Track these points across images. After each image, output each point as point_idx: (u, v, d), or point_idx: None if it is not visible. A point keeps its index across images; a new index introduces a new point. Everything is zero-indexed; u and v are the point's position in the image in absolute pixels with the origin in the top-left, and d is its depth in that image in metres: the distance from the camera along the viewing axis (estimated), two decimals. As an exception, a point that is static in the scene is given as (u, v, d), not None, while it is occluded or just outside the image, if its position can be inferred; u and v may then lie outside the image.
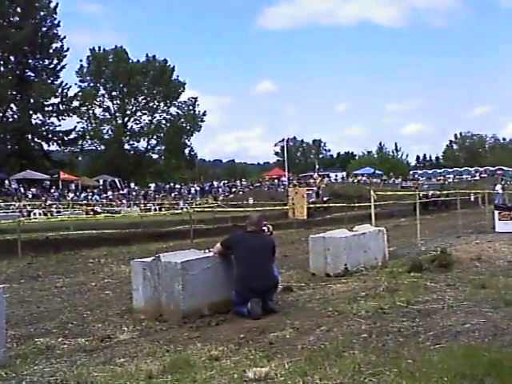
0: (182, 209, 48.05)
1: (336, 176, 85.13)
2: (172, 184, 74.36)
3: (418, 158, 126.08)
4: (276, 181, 77.61)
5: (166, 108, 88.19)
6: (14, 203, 50.33)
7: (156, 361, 5.31)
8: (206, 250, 8.05)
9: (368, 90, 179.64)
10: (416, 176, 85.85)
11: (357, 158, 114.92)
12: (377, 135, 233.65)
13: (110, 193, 65.63)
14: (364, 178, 79.24)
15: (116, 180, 71.11)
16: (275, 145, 73.25)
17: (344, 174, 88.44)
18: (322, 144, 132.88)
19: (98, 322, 7.33)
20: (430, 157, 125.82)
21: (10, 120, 70.12)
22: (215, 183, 77.97)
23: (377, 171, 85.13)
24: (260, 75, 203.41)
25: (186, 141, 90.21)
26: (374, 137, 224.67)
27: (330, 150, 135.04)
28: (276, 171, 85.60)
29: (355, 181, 77.61)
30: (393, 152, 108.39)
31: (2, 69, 67.96)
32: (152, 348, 5.85)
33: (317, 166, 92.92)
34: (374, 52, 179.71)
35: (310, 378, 4.60)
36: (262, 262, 7.66)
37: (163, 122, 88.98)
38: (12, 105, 69.60)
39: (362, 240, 11.10)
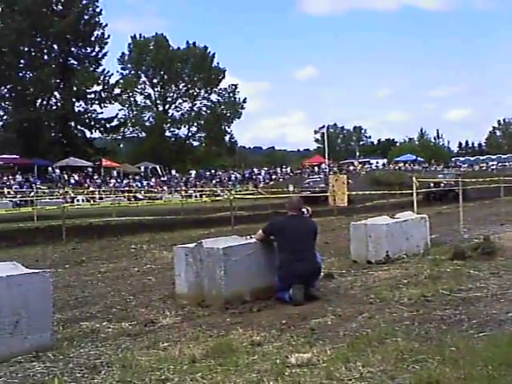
0: (221, 195, 48.22)
1: (377, 163, 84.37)
2: (213, 171, 74.68)
3: (460, 144, 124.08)
4: (316, 168, 77.28)
5: (206, 95, 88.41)
6: (57, 190, 51.14)
7: (199, 345, 5.37)
8: (248, 237, 8.06)
9: (410, 75, 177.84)
10: (458, 163, 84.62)
11: (398, 144, 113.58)
12: (418, 121, 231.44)
13: (151, 180, 66.25)
14: (405, 165, 78.45)
15: (157, 167, 71.71)
16: (315, 132, 72.85)
17: (385, 160, 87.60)
18: (363, 131, 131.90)
19: (141, 307, 7.42)
20: (473, 143, 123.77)
21: (54, 108, 71.05)
22: (255, 170, 78.03)
23: (418, 158, 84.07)
24: (300, 61, 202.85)
25: (227, 128, 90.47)
26: (415, 123, 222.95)
27: (370, 137, 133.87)
28: (316, 158, 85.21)
29: (396, 168, 76.88)
30: (434, 139, 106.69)
31: (46, 57, 68.86)
32: (195, 333, 5.91)
33: (357, 153, 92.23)
34: (416, 36, 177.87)
35: (352, 364, 4.61)
36: (306, 248, 7.64)
37: (204, 109, 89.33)
38: (55, 93, 70.51)
39: (403, 227, 11.00)
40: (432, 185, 38.70)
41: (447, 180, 41.08)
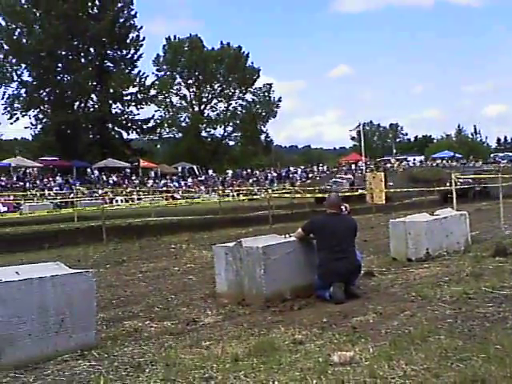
0: (258, 194, 48.25)
1: (414, 160, 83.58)
2: (249, 170, 74.83)
3: (498, 140, 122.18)
4: (353, 166, 76.90)
5: (241, 95, 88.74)
6: (96, 191, 51.81)
7: (241, 344, 5.39)
8: (287, 235, 8.06)
9: (446, 71, 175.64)
10: (497, 159, 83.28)
11: (435, 141, 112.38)
12: (455, 118, 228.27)
13: (188, 180, 66.68)
14: (443, 162, 77.58)
15: (194, 167, 72.23)
16: (351, 130, 72.41)
17: (422, 157, 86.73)
18: (399, 128, 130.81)
19: (182, 306, 7.47)
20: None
21: (91, 110, 71.96)
22: (292, 169, 77.98)
23: (456, 155, 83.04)
24: (335, 59, 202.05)
25: (262, 127, 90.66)
26: (451, 119, 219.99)
27: (407, 134, 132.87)
28: (353, 156, 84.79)
29: (434, 164, 76.06)
30: (472, 135, 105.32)
31: (83, 60, 69.87)
32: (236, 331, 5.93)
33: (394, 150, 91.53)
34: (451, 32, 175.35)
35: (395, 362, 4.59)
36: (346, 246, 7.60)
37: (239, 108, 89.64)
38: (93, 95, 71.44)
39: (443, 224, 10.89)
40: (448, 184, 37.69)
41: (465, 178, 37.81)
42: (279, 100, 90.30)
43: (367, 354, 4.86)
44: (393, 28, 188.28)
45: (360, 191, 41.77)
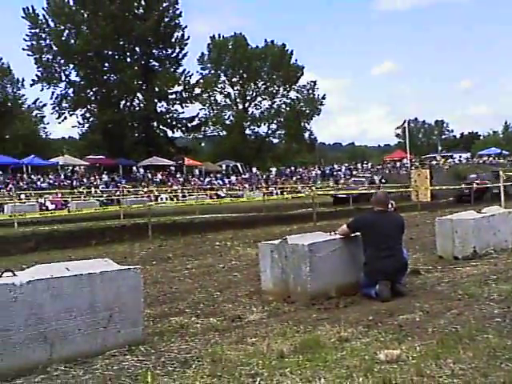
0: (302, 192, 48.13)
1: (460, 157, 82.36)
2: (293, 168, 74.75)
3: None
4: (398, 163, 76.19)
5: (285, 92, 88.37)
6: (141, 189, 52.42)
7: (286, 341, 5.40)
8: (332, 233, 8.04)
9: (492, 67, 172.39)
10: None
11: (481, 138, 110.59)
12: (501, 114, 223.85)
13: (232, 177, 66.95)
14: (490, 159, 76.29)
15: (238, 165, 72.43)
16: (397, 128, 71.71)
17: (468, 154, 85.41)
18: (445, 124, 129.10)
19: (227, 303, 7.51)
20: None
21: (137, 109, 72.72)
22: (336, 166, 77.66)
23: (503, 151, 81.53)
24: (379, 56, 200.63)
25: (306, 124, 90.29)
26: (498, 116, 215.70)
27: (452, 131, 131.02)
28: (397, 153, 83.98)
29: (480, 162, 74.87)
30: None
31: (129, 60, 70.66)
32: (282, 328, 5.94)
33: (439, 147, 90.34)
34: (498, 26, 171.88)
35: (442, 361, 4.55)
36: (394, 243, 7.55)
37: (283, 106, 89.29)
38: (138, 94, 72.11)
39: (491, 222, 10.74)
40: (463, 185, 36.45)
41: (481, 180, 37.57)
42: (323, 97, 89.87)
43: (414, 352, 4.84)
44: (438, 23, 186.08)
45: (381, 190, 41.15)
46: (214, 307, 7.33)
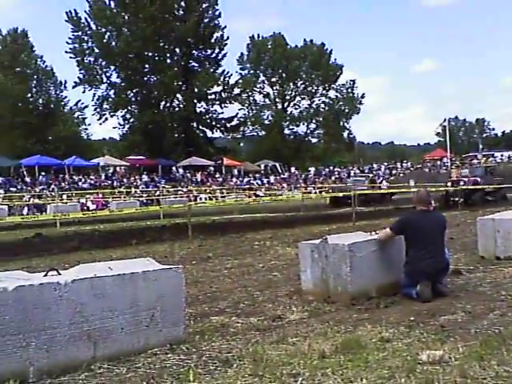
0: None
1: (502, 156, 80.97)
2: (331, 167, 74.46)
3: None
4: (438, 162, 75.34)
5: (324, 92, 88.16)
6: (181, 189, 52.78)
7: (327, 341, 5.38)
8: (373, 233, 7.98)
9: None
10: None
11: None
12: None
13: (271, 177, 66.96)
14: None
15: (277, 165, 72.42)
16: (439, 125, 70.97)
17: (510, 153, 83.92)
18: (486, 123, 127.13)
19: (268, 302, 7.52)
20: None
21: (177, 109, 73.19)
22: (375, 166, 77.12)
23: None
24: (419, 53, 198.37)
25: (345, 124, 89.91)
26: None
27: (494, 129, 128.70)
28: (437, 152, 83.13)
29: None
30: None
31: (169, 61, 71.14)
32: (323, 328, 5.93)
33: (480, 146, 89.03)
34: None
35: (486, 362, 4.50)
36: (437, 243, 7.45)
37: (322, 105, 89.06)
38: (178, 95, 72.51)
39: (535, 222, 10.55)
40: (449, 184, 32.61)
41: (470, 177, 33.65)
42: (362, 96, 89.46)
43: (457, 353, 4.79)
44: (478, 18, 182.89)
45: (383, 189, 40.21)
46: (254, 307, 7.35)
